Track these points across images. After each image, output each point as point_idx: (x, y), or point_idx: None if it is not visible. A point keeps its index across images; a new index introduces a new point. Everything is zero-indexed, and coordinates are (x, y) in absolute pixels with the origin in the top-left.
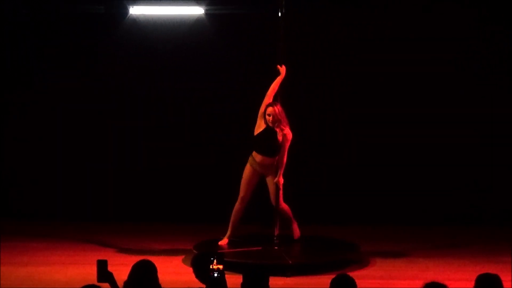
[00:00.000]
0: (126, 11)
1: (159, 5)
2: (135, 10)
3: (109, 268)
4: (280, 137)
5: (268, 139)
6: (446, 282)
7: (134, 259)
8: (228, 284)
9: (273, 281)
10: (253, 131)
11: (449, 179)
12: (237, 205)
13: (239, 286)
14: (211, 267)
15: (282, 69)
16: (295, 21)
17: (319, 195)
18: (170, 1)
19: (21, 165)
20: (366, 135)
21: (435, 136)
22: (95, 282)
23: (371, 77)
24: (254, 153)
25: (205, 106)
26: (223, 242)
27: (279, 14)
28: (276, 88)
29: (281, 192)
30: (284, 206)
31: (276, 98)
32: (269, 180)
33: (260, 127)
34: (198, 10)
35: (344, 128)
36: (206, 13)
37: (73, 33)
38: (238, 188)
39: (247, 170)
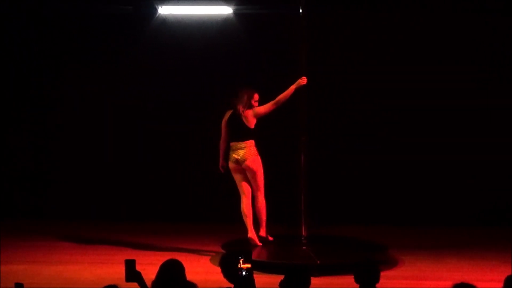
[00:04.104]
0: (155, 11)
1: (188, 5)
2: (164, 10)
3: (137, 268)
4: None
5: None
6: (475, 283)
7: (162, 258)
8: (256, 284)
9: None
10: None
11: (479, 178)
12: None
13: (266, 285)
14: (239, 266)
15: (302, 80)
16: (322, 21)
17: (349, 195)
18: (198, 0)
19: (46, 165)
20: (389, 134)
21: (464, 135)
22: (123, 282)
23: (394, 75)
24: (254, 143)
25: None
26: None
27: (300, 12)
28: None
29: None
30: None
31: (302, 93)
32: None
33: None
34: (226, 10)
35: (364, 127)
36: (235, 13)
37: (101, 33)
38: (266, 186)
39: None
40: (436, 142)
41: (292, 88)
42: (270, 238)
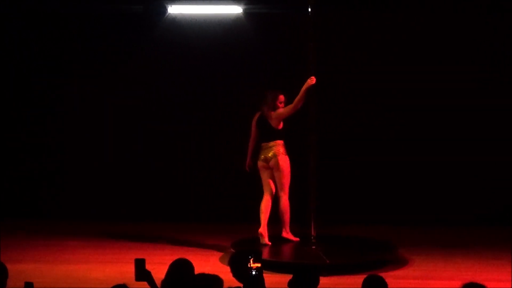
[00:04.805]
0: (164, 10)
1: (198, 4)
2: (173, 9)
3: (147, 267)
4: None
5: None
6: (484, 283)
7: (172, 258)
8: (266, 283)
9: None
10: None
11: (488, 178)
12: (287, 200)
13: (276, 285)
14: (248, 265)
15: (311, 80)
16: (329, 20)
17: (358, 195)
18: (208, 0)
19: (55, 165)
20: (397, 135)
21: (472, 135)
22: (133, 281)
23: (402, 74)
24: (283, 141)
25: (244, 105)
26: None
27: (309, 11)
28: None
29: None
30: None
31: (311, 93)
32: None
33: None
34: (236, 9)
35: (375, 127)
36: (245, 12)
37: (110, 32)
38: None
39: (288, 160)
40: (445, 142)
41: (303, 89)
42: (296, 239)
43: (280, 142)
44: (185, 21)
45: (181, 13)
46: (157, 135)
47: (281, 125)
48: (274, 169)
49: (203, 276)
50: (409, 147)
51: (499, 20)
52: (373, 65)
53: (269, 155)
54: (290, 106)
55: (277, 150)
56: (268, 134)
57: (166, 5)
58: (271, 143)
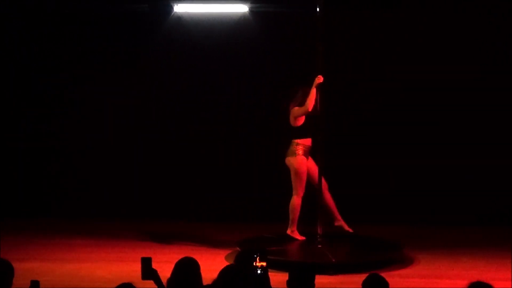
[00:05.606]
0: (170, 9)
1: (204, 3)
2: (179, 8)
3: (153, 266)
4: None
5: (310, 123)
6: (491, 282)
7: (178, 256)
8: (272, 282)
9: (317, 279)
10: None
11: (494, 178)
12: (298, 200)
13: (281, 284)
14: (254, 264)
15: (319, 79)
16: (337, 20)
17: (364, 194)
18: None
19: (63, 164)
20: (409, 135)
21: (479, 134)
22: (139, 279)
23: (411, 76)
24: (300, 141)
25: (250, 104)
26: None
27: (317, 10)
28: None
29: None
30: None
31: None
32: (311, 162)
33: (301, 118)
34: (242, 8)
35: (383, 127)
36: (251, 11)
37: (116, 32)
38: (281, 186)
39: (301, 160)
40: (449, 142)
41: (313, 89)
42: (302, 238)
43: (299, 141)
44: (191, 20)
45: (187, 12)
46: (157, 135)
47: (299, 122)
48: (289, 168)
49: (231, 268)
50: (414, 148)
51: (501, 19)
52: (379, 64)
53: (287, 153)
54: (303, 108)
55: (294, 149)
56: (288, 131)
57: (172, 4)
58: (292, 141)
